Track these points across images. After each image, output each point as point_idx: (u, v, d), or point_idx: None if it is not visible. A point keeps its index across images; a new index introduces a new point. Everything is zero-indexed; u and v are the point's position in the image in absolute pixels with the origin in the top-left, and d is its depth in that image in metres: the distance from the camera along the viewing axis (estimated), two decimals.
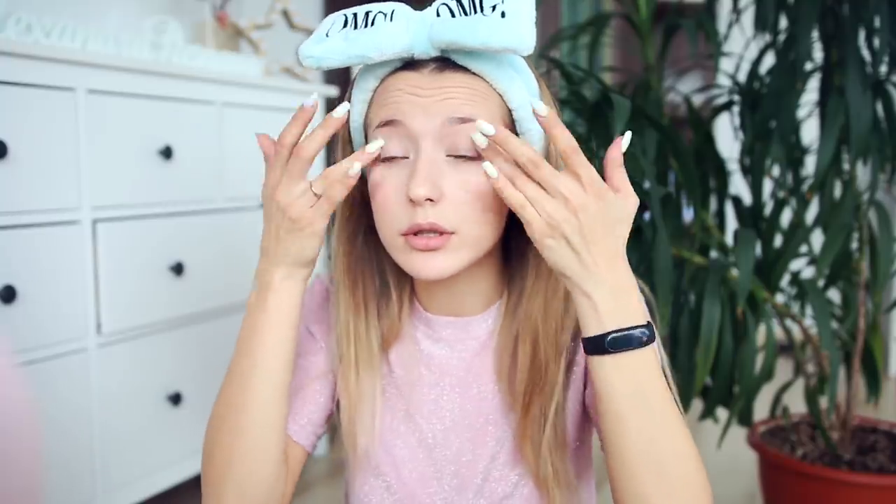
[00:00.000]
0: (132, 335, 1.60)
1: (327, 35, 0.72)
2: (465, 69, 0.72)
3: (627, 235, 0.68)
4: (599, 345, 0.67)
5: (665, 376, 0.71)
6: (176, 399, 1.67)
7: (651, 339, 0.68)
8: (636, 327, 0.67)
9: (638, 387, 0.68)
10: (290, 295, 0.73)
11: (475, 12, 0.67)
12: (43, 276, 1.41)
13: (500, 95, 0.73)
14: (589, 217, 0.65)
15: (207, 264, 1.76)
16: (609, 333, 0.67)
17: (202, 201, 1.75)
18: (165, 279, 1.66)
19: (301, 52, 0.72)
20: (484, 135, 0.67)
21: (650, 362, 0.68)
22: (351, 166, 0.68)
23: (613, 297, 0.67)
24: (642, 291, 0.83)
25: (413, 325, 0.84)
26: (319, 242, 0.72)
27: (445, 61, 0.72)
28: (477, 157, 0.71)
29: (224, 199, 1.82)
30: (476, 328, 0.82)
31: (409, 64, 0.73)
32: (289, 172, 0.69)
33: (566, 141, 0.65)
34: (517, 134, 0.75)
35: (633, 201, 0.68)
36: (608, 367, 0.67)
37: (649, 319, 0.70)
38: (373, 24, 0.70)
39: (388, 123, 0.72)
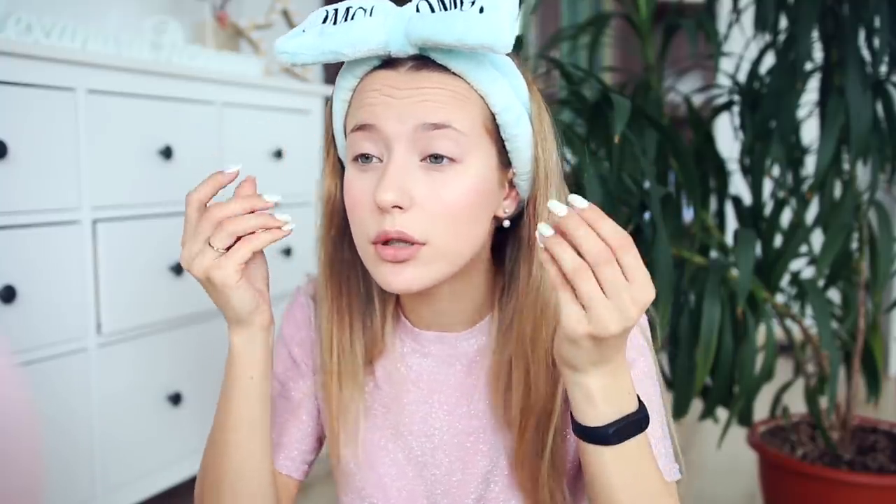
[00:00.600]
0: (132, 335, 1.60)
1: (304, 31, 0.70)
2: (444, 68, 0.68)
3: None
4: (600, 436, 0.64)
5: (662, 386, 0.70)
6: (176, 399, 1.67)
7: (647, 422, 0.66)
8: (635, 414, 0.65)
9: (633, 474, 0.66)
10: (250, 359, 0.73)
11: (455, 7, 0.64)
12: (43, 276, 1.41)
13: (482, 98, 0.69)
14: (630, 328, 0.60)
15: None
16: (610, 426, 0.64)
17: None
18: (165, 279, 1.66)
19: (276, 48, 0.70)
20: (561, 212, 0.59)
21: (644, 446, 0.66)
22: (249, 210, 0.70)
23: (612, 378, 0.63)
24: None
25: (400, 340, 0.81)
26: (246, 295, 0.70)
27: (424, 59, 0.69)
28: (452, 163, 0.68)
29: (224, 199, 1.81)
30: (465, 344, 0.79)
31: (388, 62, 0.70)
32: (191, 234, 0.70)
33: (613, 233, 0.58)
34: (501, 140, 0.72)
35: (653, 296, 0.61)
36: (607, 458, 0.65)
37: (637, 395, 0.67)
38: (352, 19, 0.68)
39: (361, 128, 0.69)
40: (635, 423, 0.65)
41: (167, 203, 1.66)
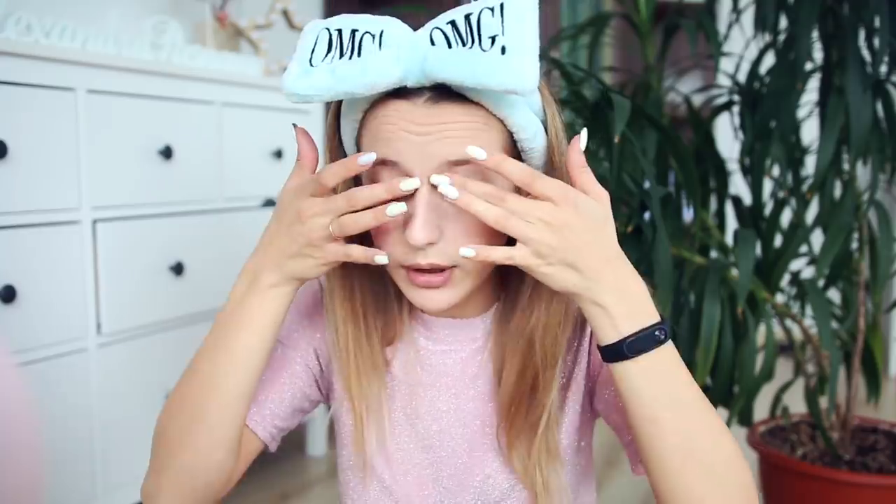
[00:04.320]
0: (132, 335, 1.60)
1: (311, 63, 0.67)
2: (461, 97, 0.67)
3: (615, 231, 0.68)
4: (619, 351, 0.66)
5: None
6: None
7: (667, 336, 0.67)
8: (651, 327, 0.66)
9: (665, 386, 0.67)
10: (275, 304, 0.72)
11: (472, 42, 0.63)
12: (43, 276, 1.40)
13: (500, 120, 0.69)
14: (574, 231, 0.64)
15: (207, 264, 1.76)
16: (626, 339, 0.66)
17: (202, 201, 1.75)
18: (165, 279, 1.66)
19: (284, 88, 0.67)
20: (476, 159, 0.65)
21: (672, 358, 0.67)
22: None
23: (623, 298, 0.66)
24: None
25: (412, 326, 0.83)
26: (323, 272, 0.71)
27: (440, 89, 0.67)
28: None
29: (224, 199, 1.82)
30: (474, 329, 0.81)
31: (401, 90, 0.68)
32: (328, 200, 0.67)
33: (519, 173, 0.65)
34: (518, 152, 0.72)
35: (605, 197, 0.67)
36: (632, 373, 0.66)
37: (662, 315, 0.69)
38: (359, 51, 0.65)
39: (383, 163, 0.68)
40: (653, 336, 0.66)
41: (167, 203, 1.66)
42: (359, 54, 0.65)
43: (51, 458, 1.42)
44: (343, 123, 0.74)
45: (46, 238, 1.41)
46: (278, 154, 1.96)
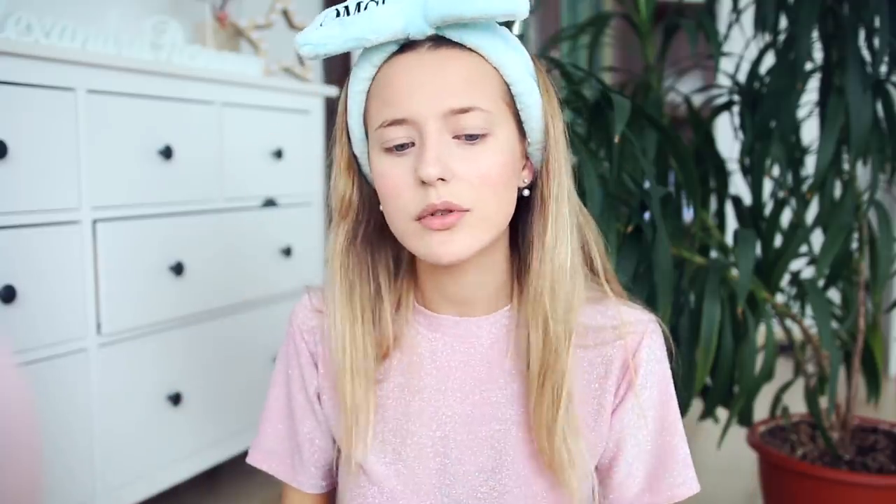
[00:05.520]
0: (132, 335, 1.60)
1: (322, 25, 0.73)
2: (460, 46, 0.73)
3: None
4: None
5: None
6: (176, 399, 1.67)
7: None
8: None
9: None
10: None
11: None
12: (43, 276, 1.41)
13: (496, 70, 0.74)
14: None
15: (207, 264, 1.76)
16: None
17: (202, 201, 1.75)
18: (165, 279, 1.66)
19: (297, 41, 0.73)
20: None
21: None
22: None
23: None
24: (664, 332, 0.83)
25: (414, 330, 0.82)
26: None
27: (441, 39, 0.73)
28: (484, 137, 0.72)
29: (224, 199, 1.82)
30: (482, 331, 0.81)
31: (404, 47, 0.74)
32: None
33: None
34: (517, 111, 0.76)
35: None
36: None
37: None
38: (366, 9, 0.72)
39: (393, 123, 0.72)
40: None
41: (167, 203, 1.66)
42: (365, 10, 0.72)
43: (51, 458, 1.42)
44: (350, 96, 0.77)
45: (46, 238, 1.41)
46: (278, 154, 1.96)
